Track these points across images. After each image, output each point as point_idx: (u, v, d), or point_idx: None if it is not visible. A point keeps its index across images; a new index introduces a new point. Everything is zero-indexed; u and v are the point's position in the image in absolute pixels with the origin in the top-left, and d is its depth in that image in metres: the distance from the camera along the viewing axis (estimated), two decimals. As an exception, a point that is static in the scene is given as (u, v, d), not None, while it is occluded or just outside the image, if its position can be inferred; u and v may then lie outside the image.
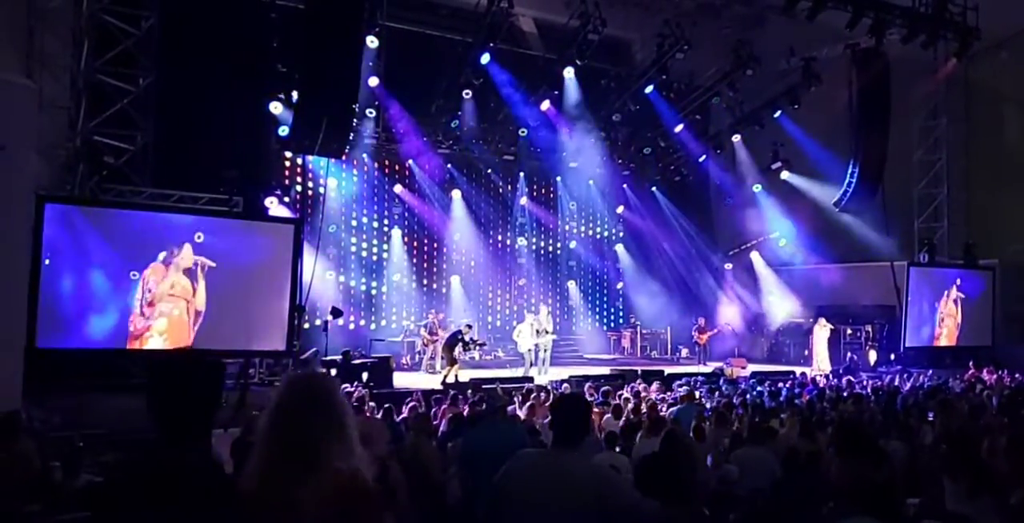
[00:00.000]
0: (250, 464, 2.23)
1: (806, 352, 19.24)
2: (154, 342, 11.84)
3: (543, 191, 21.56)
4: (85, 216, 11.48)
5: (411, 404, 9.26)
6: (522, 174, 20.59)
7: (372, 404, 9.57)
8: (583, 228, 22.00)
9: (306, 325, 15.56)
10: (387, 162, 18.95)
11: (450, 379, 13.65)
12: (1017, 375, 14.85)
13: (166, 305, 11.92)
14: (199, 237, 12.20)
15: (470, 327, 15.68)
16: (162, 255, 11.84)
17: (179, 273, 11.94)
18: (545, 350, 16.36)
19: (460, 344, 14.55)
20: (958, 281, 19.39)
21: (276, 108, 14.65)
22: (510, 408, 8.57)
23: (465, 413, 8.38)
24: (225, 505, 2.10)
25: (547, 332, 16.30)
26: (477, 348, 15.44)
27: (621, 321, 22.48)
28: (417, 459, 5.51)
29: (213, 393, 2.33)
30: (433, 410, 9.47)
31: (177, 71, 13.92)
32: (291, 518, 2.13)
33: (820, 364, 17.96)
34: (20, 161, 8.85)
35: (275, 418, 2.27)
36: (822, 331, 18.29)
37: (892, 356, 18.85)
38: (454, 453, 5.67)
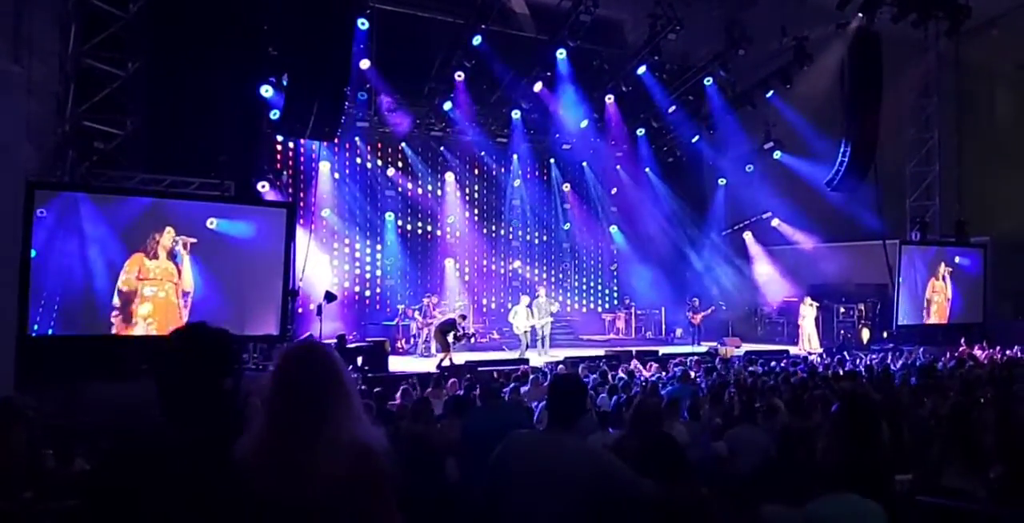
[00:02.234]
0: (251, 431, 2.20)
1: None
2: (139, 328, 11.78)
3: (537, 173, 21.53)
4: (76, 202, 11.43)
5: (403, 388, 9.29)
6: (515, 156, 20.53)
7: (363, 387, 9.62)
8: (577, 210, 21.98)
9: (300, 309, 15.57)
10: (379, 145, 18.88)
11: (445, 363, 13.70)
12: (1008, 351, 14.97)
13: (149, 289, 11.86)
14: (212, 223, 12.21)
15: (464, 318, 15.72)
16: (152, 240, 11.81)
17: (161, 256, 11.89)
18: (544, 331, 16.47)
19: (452, 333, 14.58)
20: (956, 258, 19.52)
21: (267, 91, 14.54)
22: (508, 388, 8.61)
23: (460, 394, 8.42)
24: (227, 485, 2.06)
25: (549, 314, 16.39)
26: (466, 340, 15.51)
27: (615, 302, 22.55)
28: (418, 441, 5.54)
29: (217, 365, 2.20)
30: (428, 391, 9.52)
31: (167, 55, 13.80)
32: (296, 485, 2.11)
33: (808, 343, 18.09)
34: (9, 147, 8.78)
35: (278, 384, 2.24)
36: (809, 310, 18.43)
37: (885, 334, 18.97)
38: (453, 435, 5.70)
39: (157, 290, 11.91)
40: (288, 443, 2.15)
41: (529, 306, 16.41)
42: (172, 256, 11.97)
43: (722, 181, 22.05)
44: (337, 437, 2.15)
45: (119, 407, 8.64)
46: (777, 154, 19.96)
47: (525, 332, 16.03)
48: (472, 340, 15.76)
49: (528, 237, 21.21)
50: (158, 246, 11.86)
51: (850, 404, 3.15)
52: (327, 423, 2.16)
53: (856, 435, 2.90)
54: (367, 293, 18.64)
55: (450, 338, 14.35)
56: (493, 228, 20.75)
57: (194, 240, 12.05)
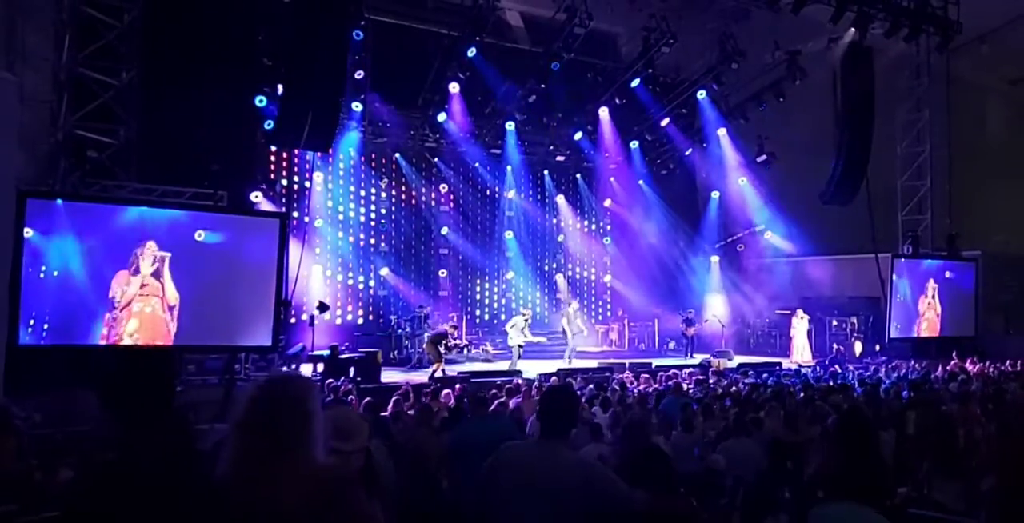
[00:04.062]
0: (224, 457, 2.23)
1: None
2: (125, 343, 11.68)
3: (530, 185, 21.57)
4: (68, 211, 11.37)
5: (395, 398, 9.25)
6: (509, 167, 20.58)
7: (352, 398, 9.57)
8: (570, 222, 22.01)
9: (292, 320, 15.51)
10: (373, 156, 18.91)
11: (437, 374, 13.66)
12: (1000, 365, 14.99)
13: (137, 305, 11.79)
14: (200, 235, 12.14)
15: (455, 328, 15.71)
16: (133, 256, 11.74)
17: (145, 271, 11.83)
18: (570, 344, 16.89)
19: (443, 343, 14.55)
20: (947, 273, 19.55)
21: (261, 101, 14.57)
22: (496, 402, 8.58)
23: (451, 405, 8.40)
24: (191, 496, 2.07)
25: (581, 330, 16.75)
26: (457, 351, 15.46)
27: (609, 314, 22.54)
28: (415, 449, 5.53)
29: (154, 382, 2.31)
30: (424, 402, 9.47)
31: (161, 64, 13.78)
32: (260, 514, 2.12)
33: (800, 355, 18.13)
34: (1, 156, 8.76)
35: (245, 417, 2.26)
36: (801, 323, 18.48)
37: (877, 347, 18.99)
38: (444, 445, 5.68)
39: (143, 305, 11.81)
40: (251, 473, 2.18)
41: (536, 319, 16.49)
42: (154, 271, 11.90)
43: (715, 194, 22.11)
44: (299, 470, 2.18)
45: (105, 418, 8.56)
46: (770, 167, 20.02)
47: (520, 346, 15.97)
48: (465, 351, 15.73)
49: (521, 249, 21.20)
50: (140, 261, 11.79)
51: (847, 417, 3.14)
52: (289, 457, 2.19)
53: (853, 448, 2.89)
54: (360, 304, 18.59)
55: (442, 349, 14.32)
56: (486, 239, 20.75)
57: (168, 254, 11.96)
